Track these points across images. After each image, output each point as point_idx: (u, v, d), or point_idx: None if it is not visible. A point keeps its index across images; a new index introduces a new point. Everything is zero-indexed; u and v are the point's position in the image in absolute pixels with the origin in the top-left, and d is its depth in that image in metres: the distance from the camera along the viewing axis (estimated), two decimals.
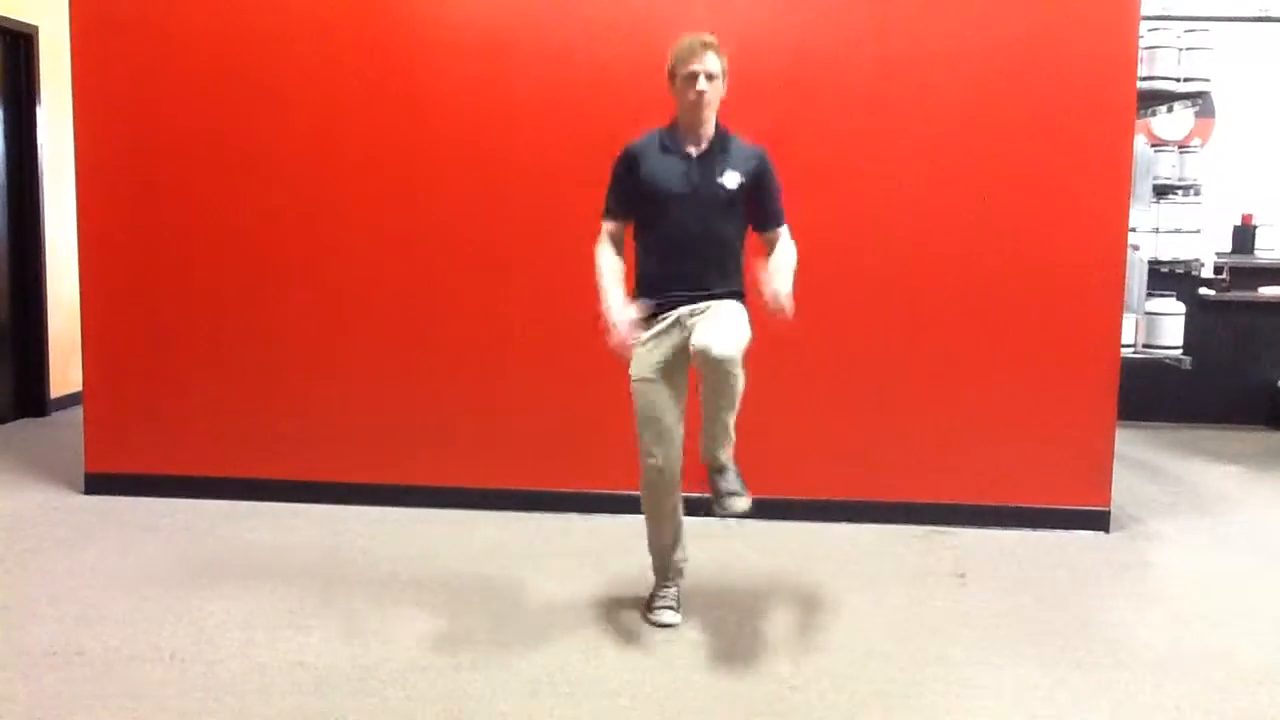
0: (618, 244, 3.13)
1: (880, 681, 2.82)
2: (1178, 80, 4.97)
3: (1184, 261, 5.90)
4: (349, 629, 3.09)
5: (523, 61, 4.22)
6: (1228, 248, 6.78)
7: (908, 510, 4.25)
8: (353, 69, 4.27)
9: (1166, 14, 6.37)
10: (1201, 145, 7.04)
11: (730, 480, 3.03)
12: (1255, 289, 6.61)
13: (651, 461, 3.02)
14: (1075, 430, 4.23)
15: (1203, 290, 6.51)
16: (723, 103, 3.03)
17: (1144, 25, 4.37)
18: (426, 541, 3.95)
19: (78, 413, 4.70)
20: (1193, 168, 6.53)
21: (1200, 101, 5.30)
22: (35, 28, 5.95)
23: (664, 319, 3.01)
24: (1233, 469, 5.53)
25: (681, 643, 3.05)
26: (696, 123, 2.99)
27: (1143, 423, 6.39)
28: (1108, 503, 4.28)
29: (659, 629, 3.13)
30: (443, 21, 4.24)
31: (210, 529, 4.05)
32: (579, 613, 3.26)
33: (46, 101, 6.04)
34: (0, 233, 5.94)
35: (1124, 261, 4.24)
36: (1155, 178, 5.48)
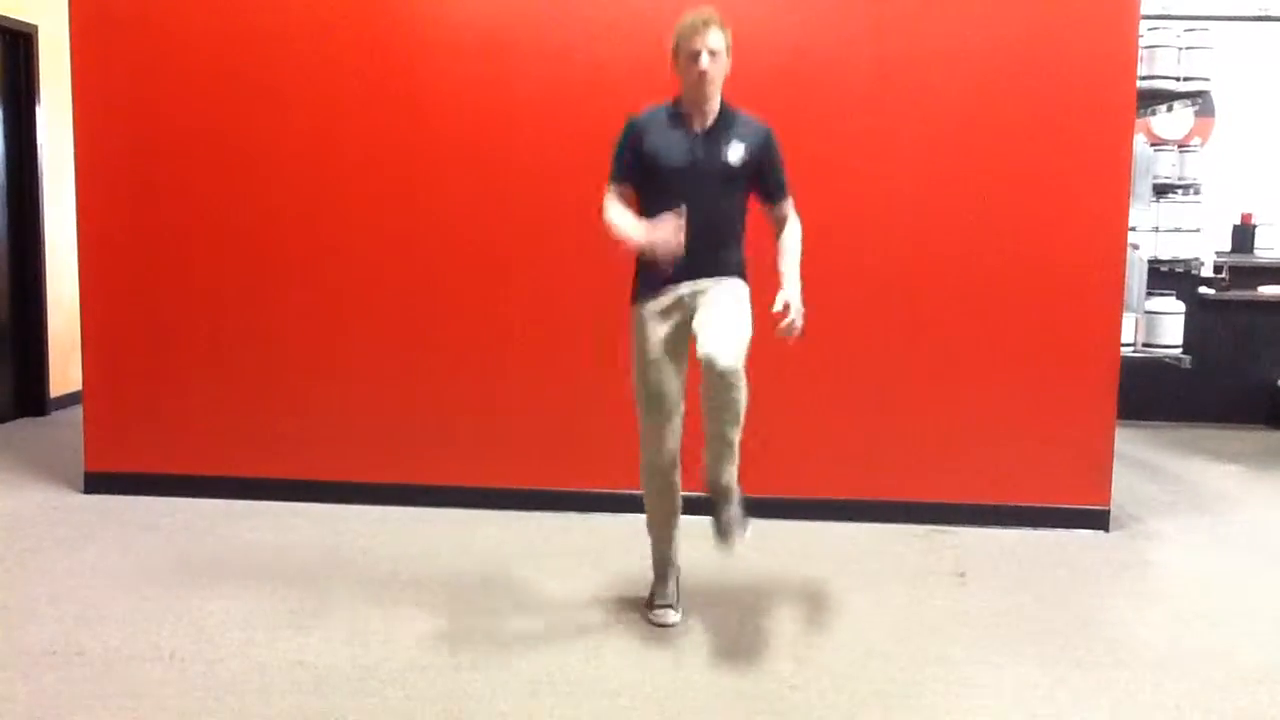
0: (625, 203, 3.12)
1: (880, 681, 2.82)
2: (1177, 79, 4.97)
3: (1184, 261, 5.90)
4: (349, 629, 3.09)
5: (523, 61, 4.22)
6: (1227, 247, 6.78)
7: (908, 509, 4.25)
8: (353, 69, 4.27)
9: (1166, 13, 6.37)
10: (1201, 144, 7.04)
11: (733, 511, 3.07)
12: (1255, 288, 6.62)
13: (653, 441, 3.03)
14: (1075, 429, 4.24)
15: (1202, 289, 6.51)
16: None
17: (1144, 24, 4.37)
18: (426, 541, 3.95)
19: (77, 412, 4.70)
20: (1192, 167, 6.53)
21: (1200, 101, 5.30)
22: (35, 27, 5.95)
23: (667, 294, 3.01)
24: (1232, 468, 5.53)
25: (682, 642, 3.05)
26: (700, 99, 2.99)
27: (1142, 422, 6.39)
28: (1108, 502, 4.28)
29: (659, 628, 3.13)
30: (443, 21, 4.24)
31: (210, 528, 4.05)
32: (579, 612, 3.26)
33: (46, 101, 6.04)
34: (0, 232, 5.94)
35: (1124, 261, 4.24)
36: (1155, 177, 5.47)
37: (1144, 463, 5.54)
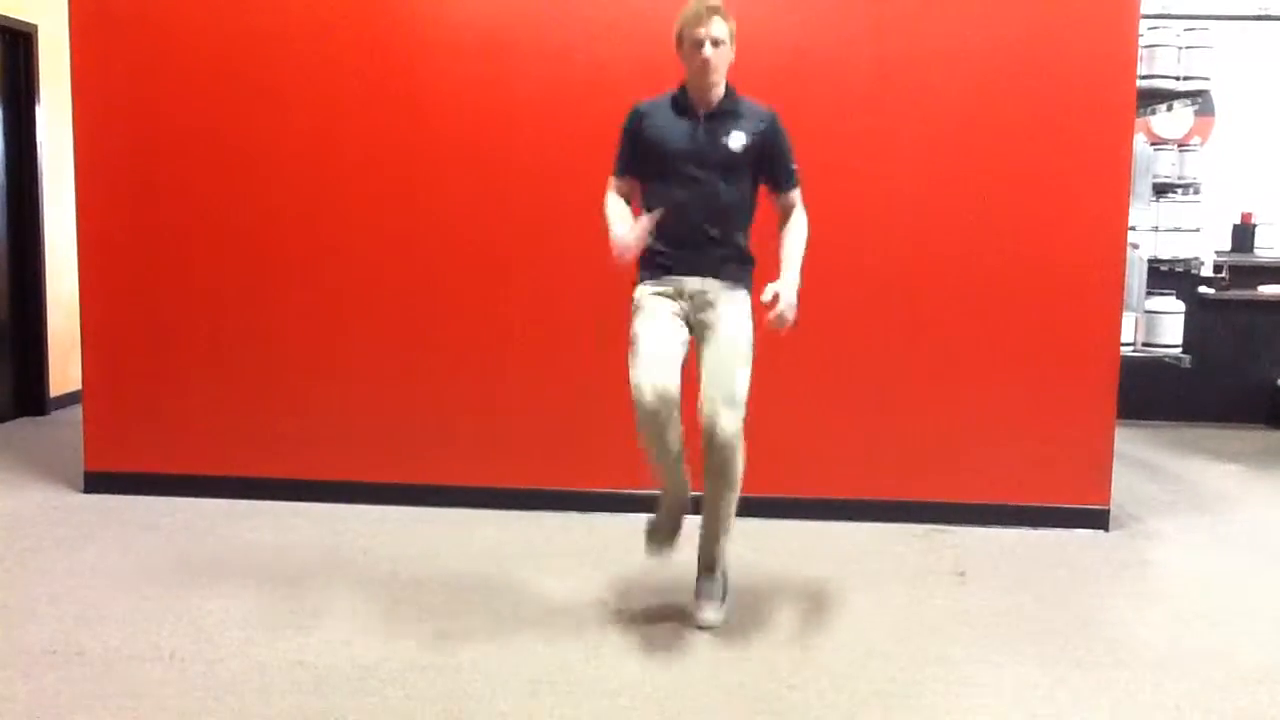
0: (624, 198, 3.14)
1: (880, 680, 2.82)
2: (1177, 79, 4.96)
3: (1183, 260, 5.89)
4: (349, 629, 3.09)
5: (523, 61, 4.22)
6: (1227, 246, 6.78)
7: (908, 509, 4.25)
8: (353, 69, 4.27)
9: (1166, 12, 6.37)
10: (1201, 144, 7.03)
11: (715, 589, 3.16)
12: (1255, 287, 6.62)
13: (647, 390, 2.84)
14: (1075, 429, 4.24)
15: (1202, 289, 6.51)
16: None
17: (1143, 23, 4.36)
18: (426, 541, 3.95)
19: (77, 411, 4.70)
20: (1192, 166, 6.52)
21: (1200, 100, 5.30)
22: (35, 26, 5.95)
23: (668, 283, 3.01)
24: (1232, 468, 5.53)
25: (682, 642, 3.05)
26: (705, 87, 2.99)
27: (1142, 421, 6.39)
28: (1107, 501, 4.28)
29: (658, 628, 3.13)
30: (443, 21, 4.24)
31: (210, 528, 4.05)
32: (579, 612, 3.26)
33: (46, 100, 6.03)
34: (0, 232, 5.94)
35: (1123, 260, 4.24)
36: (1155, 176, 5.47)
37: (1144, 462, 5.54)
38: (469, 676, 2.79)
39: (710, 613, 3.15)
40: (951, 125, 4.16)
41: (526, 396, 4.33)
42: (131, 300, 4.43)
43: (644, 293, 3.05)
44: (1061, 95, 4.12)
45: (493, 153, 4.26)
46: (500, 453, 4.36)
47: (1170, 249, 5.86)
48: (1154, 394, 6.38)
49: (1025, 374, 4.23)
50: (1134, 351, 5.06)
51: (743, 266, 3.09)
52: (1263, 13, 7.18)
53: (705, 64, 2.93)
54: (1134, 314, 4.84)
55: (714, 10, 2.93)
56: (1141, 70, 4.60)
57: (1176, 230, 5.89)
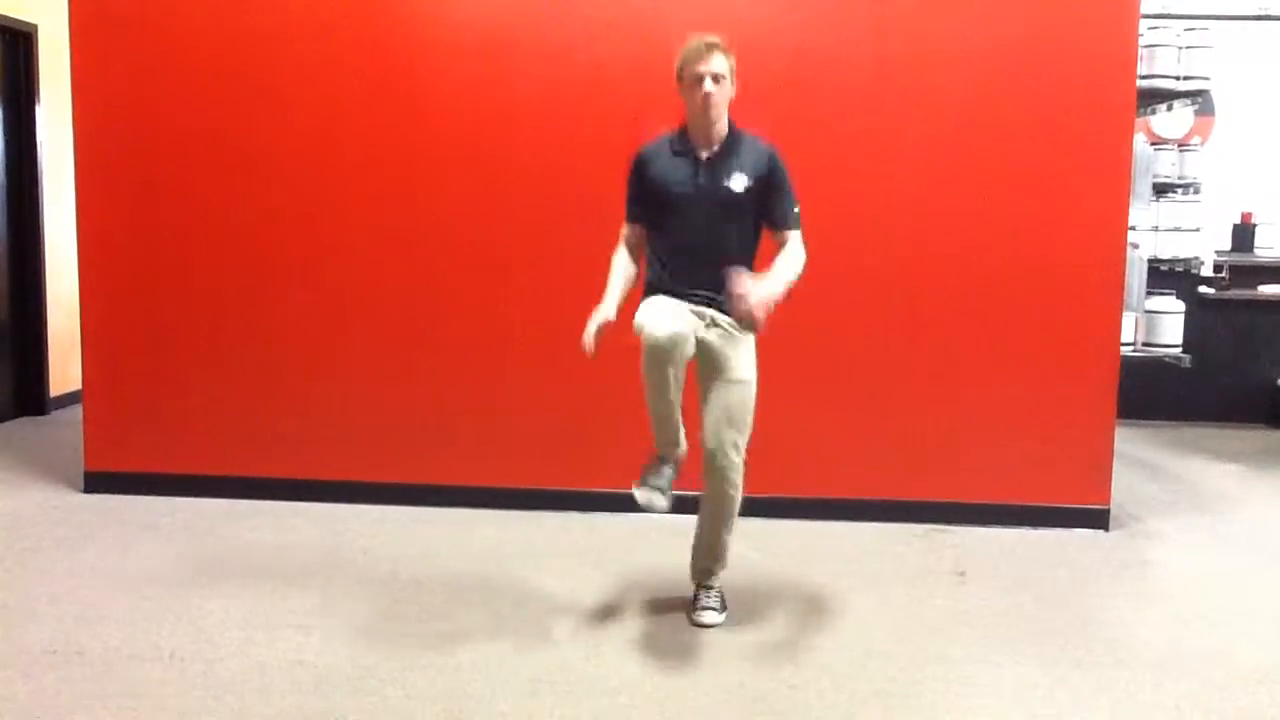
0: (633, 249, 3.15)
1: (880, 680, 2.82)
2: (1177, 78, 4.96)
3: (1184, 260, 5.89)
4: (349, 628, 3.09)
5: (523, 61, 4.22)
6: (1227, 246, 6.78)
7: (908, 509, 4.25)
8: (353, 69, 4.27)
9: (1166, 12, 6.37)
10: (1201, 143, 7.03)
11: (712, 598, 3.21)
12: (1255, 287, 6.62)
13: (661, 329, 2.79)
14: (1075, 429, 4.24)
15: (1202, 288, 6.51)
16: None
17: (1144, 23, 4.36)
18: (426, 541, 3.95)
19: (77, 411, 4.70)
20: (1192, 166, 6.52)
21: (1200, 100, 5.30)
22: (35, 26, 5.95)
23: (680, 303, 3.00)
24: (1232, 467, 5.53)
25: (681, 641, 3.05)
26: (706, 124, 2.99)
27: (1142, 421, 6.39)
28: (1107, 501, 4.28)
29: (658, 628, 3.13)
30: (443, 21, 4.24)
31: (210, 528, 4.05)
32: (579, 612, 3.26)
33: (46, 100, 6.03)
34: (0, 231, 5.94)
35: (1124, 260, 4.24)
36: (1155, 176, 5.47)
37: (1144, 462, 5.54)
38: (469, 676, 2.79)
39: (710, 616, 3.17)
40: (952, 125, 4.16)
41: (526, 396, 4.33)
42: (131, 300, 4.43)
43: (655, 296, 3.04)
44: (1061, 95, 4.12)
45: (493, 153, 4.26)
46: (500, 453, 4.36)
47: (1170, 249, 5.86)
48: (1154, 394, 6.38)
49: (1025, 374, 4.23)
50: (1134, 351, 5.06)
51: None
52: (1263, 13, 7.17)
53: (707, 99, 2.92)
54: (1134, 314, 4.84)
55: (714, 46, 2.93)
56: (1141, 70, 4.60)
57: (1176, 230, 5.89)
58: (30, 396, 6.15)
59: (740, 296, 2.86)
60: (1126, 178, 4.16)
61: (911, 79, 4.15)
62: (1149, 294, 5.04)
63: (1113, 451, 4.26)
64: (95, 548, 3.80)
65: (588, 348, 2.95)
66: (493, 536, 4.02)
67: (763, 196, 3.03)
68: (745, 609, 3.29)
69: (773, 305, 2.91)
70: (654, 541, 3.90)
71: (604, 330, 2.95)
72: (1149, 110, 5.36)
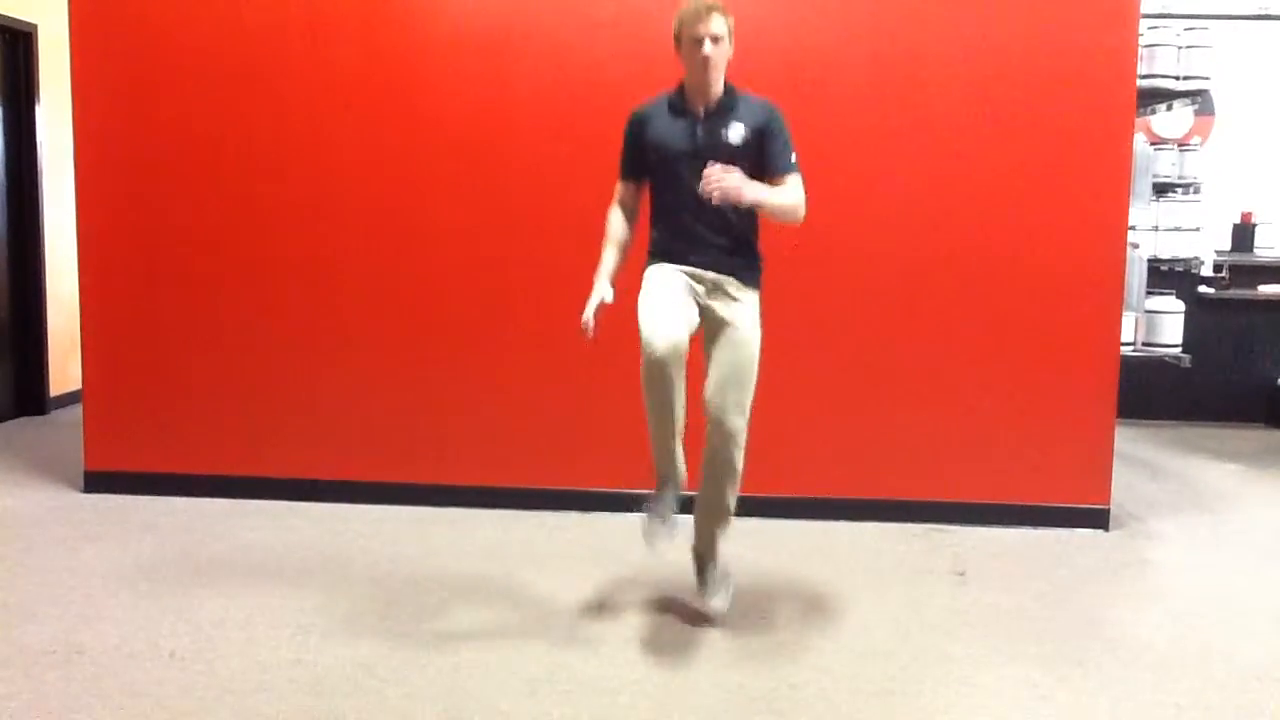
0: (628, 209, 3.15)
1: (880, 680, 2.82)
2: (1177, 78, 4.97)
3: (1183, 260, 5.89)
4: (349, 628, 3.09)
5: (522, 59, 4.22)
6: (1227, 246, 6.78)
7: (908, 508, 4.25)
8: (352, 69, 4.26)
9: (1166, 12, 6.36)
10: (1201, 143, 7.03)
11: (716, 578, 3.18)
12: (1255, 287, 6.62)
13: (658, 339, 2.80)
14: (1075, 428, 4.24)
15: (1202, 288, 6.51)
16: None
17: (1143, 23, 4.36)
18: (426, 540, 3.95)
19: (77, 411, 4.70)
20: (1192, 166, 6.52)
21: (1200, 99, 5.30)
22: (34, 26, 5.94)
23: (681, 266, 3.00)
24: (1232, 467, 5.53)
25: (682, 641, 3.05)
26: (704, 84, 2.99)
27: (1142, 421, 6.39)
28: (1107, 501, 4.28)
29: (658, 627, 3.13)
30: (442, 20, 4.24)
31: (210, 527, 4.05)
32: (579, 612, 3.26)
33: (46, 100, 6.03)
34: (0, 231, 5.94)
35: (1123, 259, 4.24)
36: (1155, 176, 5.47)
37: (1144, 461, 5.54)
38: (469, 676, 2.79)
39: (718, 600, 3.16)
40: (951, 125, 4.16)
41: (526, 396, 4.33)
42: (131, 299, 4.43)
43: (656, 266, 3.04)
44: (1061, 94, 4.12)
45: (492, 151, 4.26)
46: (500, 452, 4.36)
47: (1170, 248, 5.86)
48: (1154, 393, 6.38)
49: (1025, 373, 4.23)
50: (1134, 351, 5.06)
51: (752, 264, 3.08)
52: (1262, 12, 7.17)
53: (705, 61, 2.93)
54: (1134, 313, 4.84)
55: (712, 8, 2.93)
56: (1141, 70, 4.60)
57: (1176, 230, 5.89)
58: (30, 396, 6.15)
59: (716, 177, 2.83)
60: (1126, 177, 4.16)
61: (910, 78, 4.15)
62: (1149, 294, 5.05)
63: (1113, 451, 4.26)
64: (95, 547, 3.80)
65: (586, 329, 2.95)
66: (493, 536, 4.02)
67: (761, 148, 3.02)
68: (745, 609, 3.28)
69: (738, 196, 2.87)
70: None
71: (602, 310, 2.96)
72: (1149, 110, 5.36)
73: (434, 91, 4.26)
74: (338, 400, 4.38)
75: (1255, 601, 3.53)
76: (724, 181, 2.85)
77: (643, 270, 3.08)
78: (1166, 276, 5.92)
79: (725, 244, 3.01)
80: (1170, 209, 5.94)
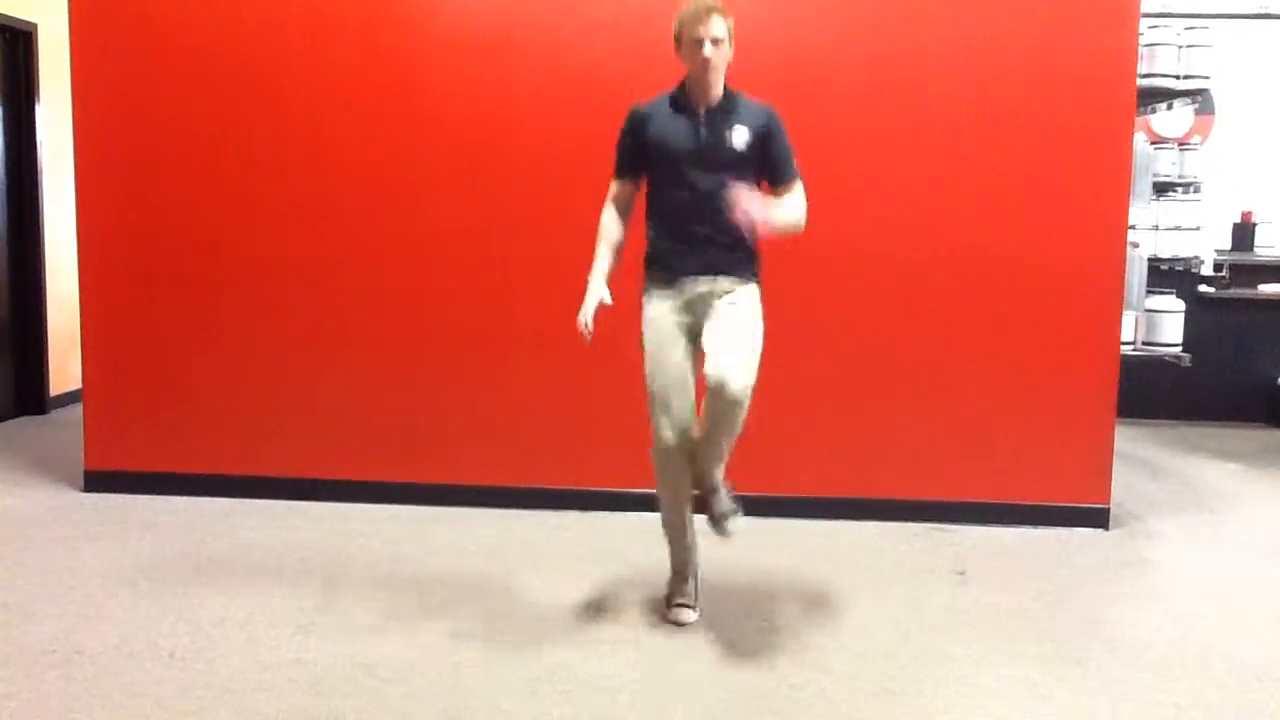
0: (622, 208, 3.14)
1: (880, 679, 2.82)
2: (1177, 77, 4.97)
3: (1183, 259, 5.89)
4: (349, 628, 3.09)
5: (522, 60, 4.22)
6: (1227, 245, 6.78)
7: (907, 508, 4.25)
8: (352, 68, 4.26)
9: (1166, 11, 6.36)
10: (1201, 142, 7.03)
11: (724, 501, 3.13)
12: (1255, 286, 6.62)
13: (664, 434, 2.97)
14: (1075, 427, 4.24)
15: (1202, 287, 6.51)
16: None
17: (1144, 22, 4.36)
18: (426, 540, 3.95)
19: (77, 410, 4.70)
20: (1192, 165, 6.52)
21: (1200, 99, 5.30)
22: (34, 25, 5.94)
23: (675, 289, 3.00)
24: (1232, 466, 5.53)
25: (682, 640, 3.05)
26: (704, 85, 2.99)
27: (1142, 420, 6.39)
28: (1107, 500, 4.28)
29: (658, 627, 3.13)
30: (442, 19, 4.24)
31: (210, 527, 4.05)
32: (579, 611, 3.26)
33: (46, 99, 6.03)
34: (0, 230, 5.94)
35: (1124, 259, 4.24)
36: (1155, 175, 5.47)
37: (1144, 461, 5.54)
38: (469, 676, 2.79)
39: (736, 520, 3.12)
40: (951, 125, 4.16)
41: (526, 396, 4.33)
42: (131, 299, 4.43)
43: (651, 310, 3.03)
44: (1062, 94, 4.12)
45: (492, 150, 4.26)
46: (500, 451, 4.36)
47: (1170, 248, 5.86)
48: (1154, 392, 6.38)
49: (1025, 373, 4.23)
50: (1134, 350, 5.06)
51: (750, 263, 3.08)
52: (1263, 12, 7.17)
53: (706, 63, 2.93)
54: (1134, 313, 4.84)
55: (713, 9, 2.93)
56: (1142, 69, 4.60)
57: (1176, 229, 5.89)
58: (30, 395, 6.15)
59: (743, 210, 2.85)
60: (1126, 176, 4.16)
61: (910, 78, 4.15)
62: (1149, 293, 5.04)
63: (1113, 450, 4.27)
64: (95, 546, 3.80)
65: (585, 332, 2.96)
66: (492, 535, 4.02)
67: (763, 153, 3.03)
68: (746, 609, 3.29)
69: (768, 223, 2.91)
70: (654, 541, 3.89)
71: (601, 312, 2.97)
72: (1149, 109, 5.36)
73: (434, 91, 4.26)
74: (338, 400, 4.38)
75: (1255, 601, 3.53)
76: (751, 210, 2.86)
77: (642, 269, 3.08)
78: (1167, 276, 5.92)
79: (725, 242, 3.01)
80: (1170, 208, 5.94)
